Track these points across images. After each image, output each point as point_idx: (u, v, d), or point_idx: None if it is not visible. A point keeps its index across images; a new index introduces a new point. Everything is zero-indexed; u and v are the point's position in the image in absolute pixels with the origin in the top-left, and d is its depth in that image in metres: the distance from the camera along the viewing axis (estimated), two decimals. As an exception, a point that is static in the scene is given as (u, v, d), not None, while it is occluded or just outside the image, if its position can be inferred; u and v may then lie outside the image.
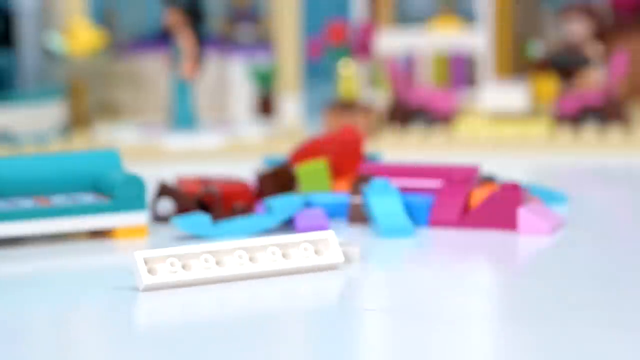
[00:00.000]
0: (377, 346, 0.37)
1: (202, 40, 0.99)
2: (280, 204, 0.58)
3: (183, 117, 0.97)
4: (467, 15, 1.30)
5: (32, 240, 0.56)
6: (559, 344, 0.36)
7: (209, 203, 0.61)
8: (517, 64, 1.17)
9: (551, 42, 1.17)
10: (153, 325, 0.41)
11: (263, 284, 0.45)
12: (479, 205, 0.58)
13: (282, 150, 0.77)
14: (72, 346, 0.38)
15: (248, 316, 0.41)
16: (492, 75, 1.10)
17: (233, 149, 0.94)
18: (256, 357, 0.35)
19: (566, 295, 0.42)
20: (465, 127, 0.93)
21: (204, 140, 0.95)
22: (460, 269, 0.48)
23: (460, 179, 0.59)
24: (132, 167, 0.61)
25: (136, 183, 0.58)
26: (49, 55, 1.09)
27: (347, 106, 1.02)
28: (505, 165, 0.80)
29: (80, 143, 0.95)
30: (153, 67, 1.14)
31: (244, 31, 1.23)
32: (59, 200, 0.57)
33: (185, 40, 0.96)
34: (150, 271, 0.44)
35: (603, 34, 1.07)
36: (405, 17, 1.46)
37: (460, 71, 1.16)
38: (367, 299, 0.43)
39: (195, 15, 0.98)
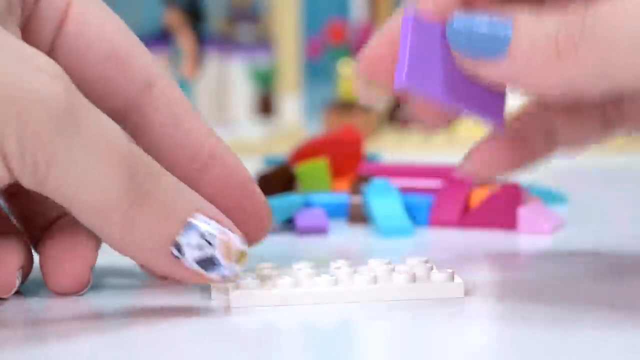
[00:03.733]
0: (373, 340, 0.37)
1: (202, 40, 0.99)
2: (280, 204, 0.58)
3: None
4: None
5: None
6: (558, 343, 0.36)
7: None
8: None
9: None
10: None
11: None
12: (479, 205, 0.58)
13: (282, 150, 0.77)
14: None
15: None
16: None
17: (233, 149, 0.94)
18: None
19: (566, 295, 0.42)
20: (465, 127, 0.93)
21: (204, 140, 0.94)
22: (460, 269, 0.48)
23: (460, 179, 0.59)
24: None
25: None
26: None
27: (347, 106, 1.02)
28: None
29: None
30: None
31: (244, 31, 1.23)
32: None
33: (185, 40, 0.96)
34: None
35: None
36: (405, 17, 1.45)
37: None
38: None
39: (195, 15, 0.98)
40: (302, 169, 0.65)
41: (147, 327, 0.38)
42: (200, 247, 0.38)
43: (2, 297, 0.41)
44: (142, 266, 0.43)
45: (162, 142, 0.42)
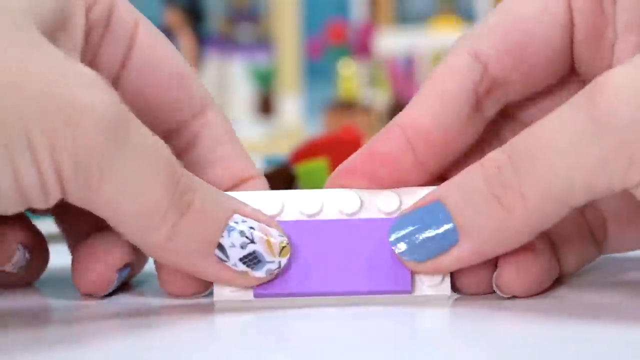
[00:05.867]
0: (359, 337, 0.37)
1: (202, 40, 0.99)
2: (280, 204, 0.58)
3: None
4: (467, 15, 1.30)
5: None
6: (558, 344, 0.36)
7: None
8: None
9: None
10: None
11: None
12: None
13: (282, 150, 0.77)
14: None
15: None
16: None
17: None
18: None
19: (565, 295, 0.42)
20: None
21: (204, 140, 0.95)
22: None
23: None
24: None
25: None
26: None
27: (347, 106, 1.02)
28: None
29: (80, 143, 0.95)
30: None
31: (244, 31, 1.23)
32: (59, 200, 0.57)
33: (185, 40, 0.96)
34: None
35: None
36: (405, 17, 1.46)
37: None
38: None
39: (195, 15, 0.98)
40: (302, 169, 0.65)
41: (148, 327, 0.39)
42: (243, 246, 0.40)
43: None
44: (163, 284, 0.43)
45: (204, 165, 0.44)
